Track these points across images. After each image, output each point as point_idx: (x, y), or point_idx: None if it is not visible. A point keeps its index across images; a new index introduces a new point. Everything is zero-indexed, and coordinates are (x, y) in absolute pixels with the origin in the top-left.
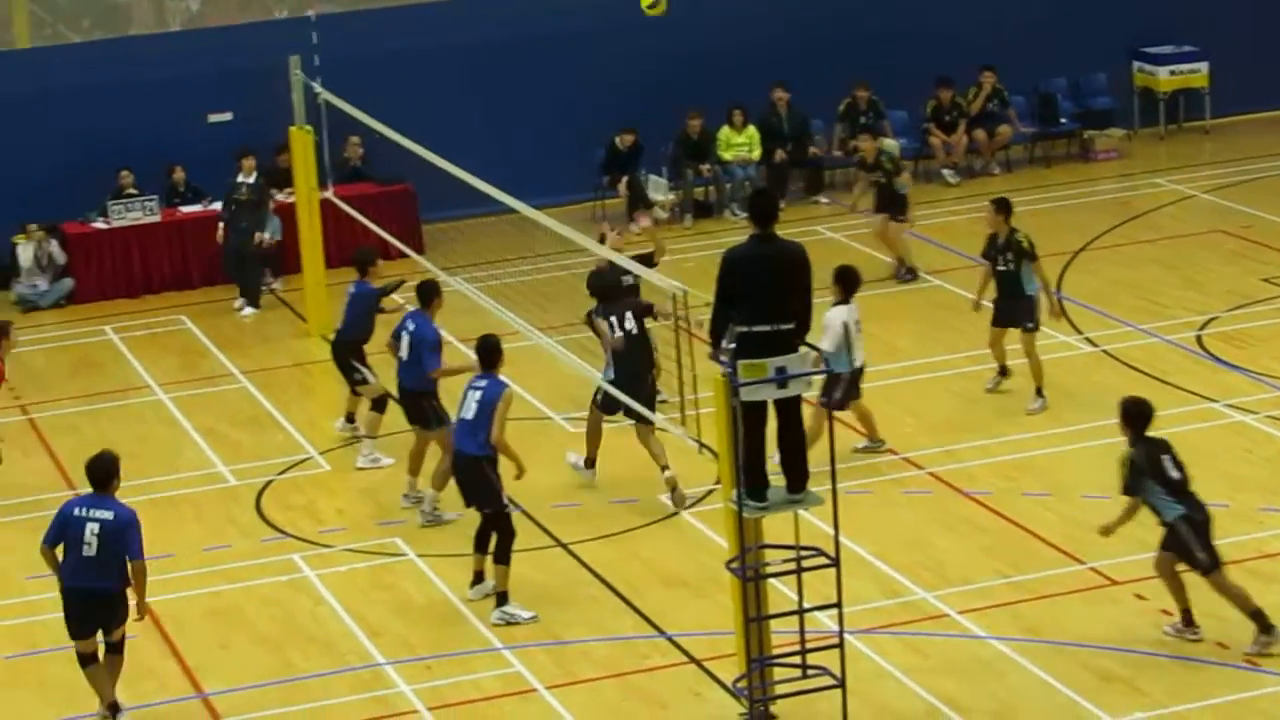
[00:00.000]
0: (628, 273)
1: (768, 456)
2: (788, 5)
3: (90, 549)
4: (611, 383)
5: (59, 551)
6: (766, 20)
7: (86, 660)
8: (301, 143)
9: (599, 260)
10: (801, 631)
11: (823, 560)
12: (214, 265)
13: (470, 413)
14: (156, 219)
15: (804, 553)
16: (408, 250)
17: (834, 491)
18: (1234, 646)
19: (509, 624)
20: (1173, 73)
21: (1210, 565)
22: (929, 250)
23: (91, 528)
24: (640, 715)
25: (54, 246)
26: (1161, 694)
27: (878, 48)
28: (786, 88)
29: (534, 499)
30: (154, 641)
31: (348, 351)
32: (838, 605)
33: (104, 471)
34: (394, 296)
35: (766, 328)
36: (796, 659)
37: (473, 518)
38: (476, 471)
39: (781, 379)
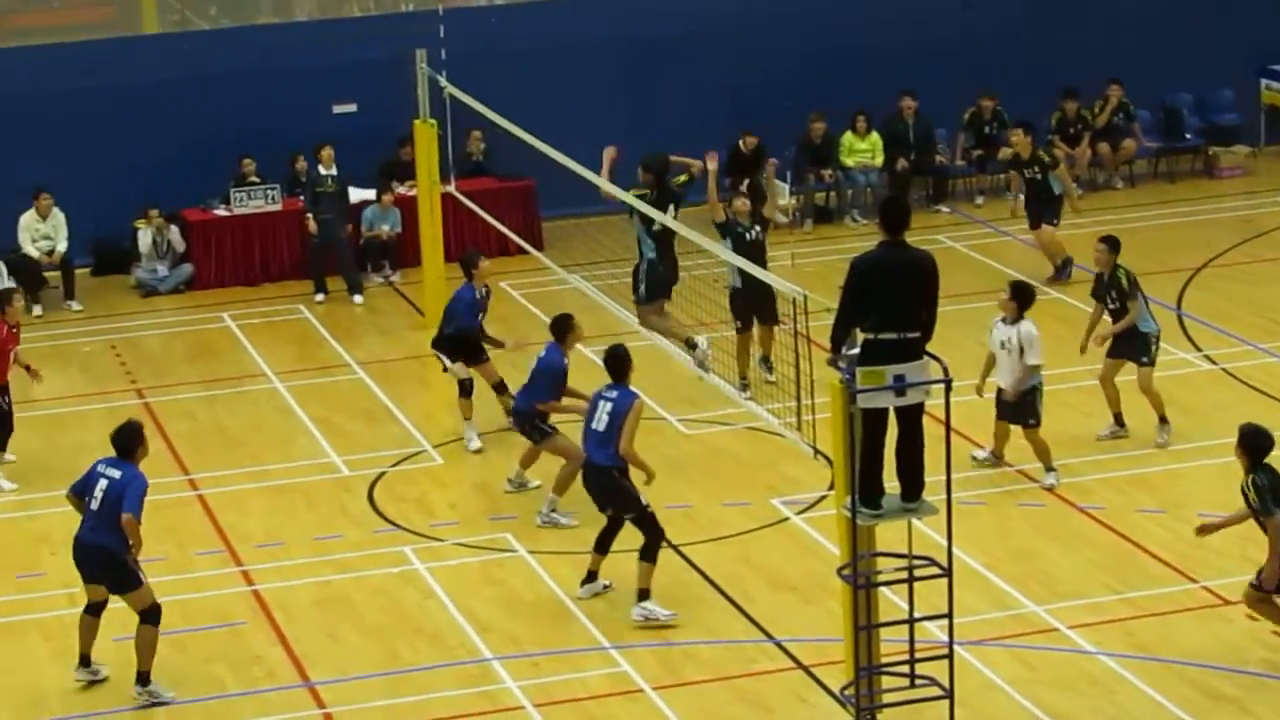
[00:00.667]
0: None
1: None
2: (916, 13)
3: (96, 503)
4: None
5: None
6: (894, 27)
7: (90, 608)
8: (425, 136)
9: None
10: (911, 641)
11: (935, 570)
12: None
13: (601, 424)
14: (278, 208)
15: (916, 562)
16: (527, 246)
17: (949, 502)
18: None
19: (647, 620)
20: None
21: None
22: (1046, 265)
23: (102, 484)
24: (747, 717)
25: (174, 233)
26: (1271, 716)
27: (1005, 58)
28: (914, 96)
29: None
30: (262, 628)
31: (440, 344)
32: (948, 616)
33: (126, 439)
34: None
35: (893, 335)
36: (905, 668)
37: (590, 519)
38: (609, 480)
39: (900, 386)
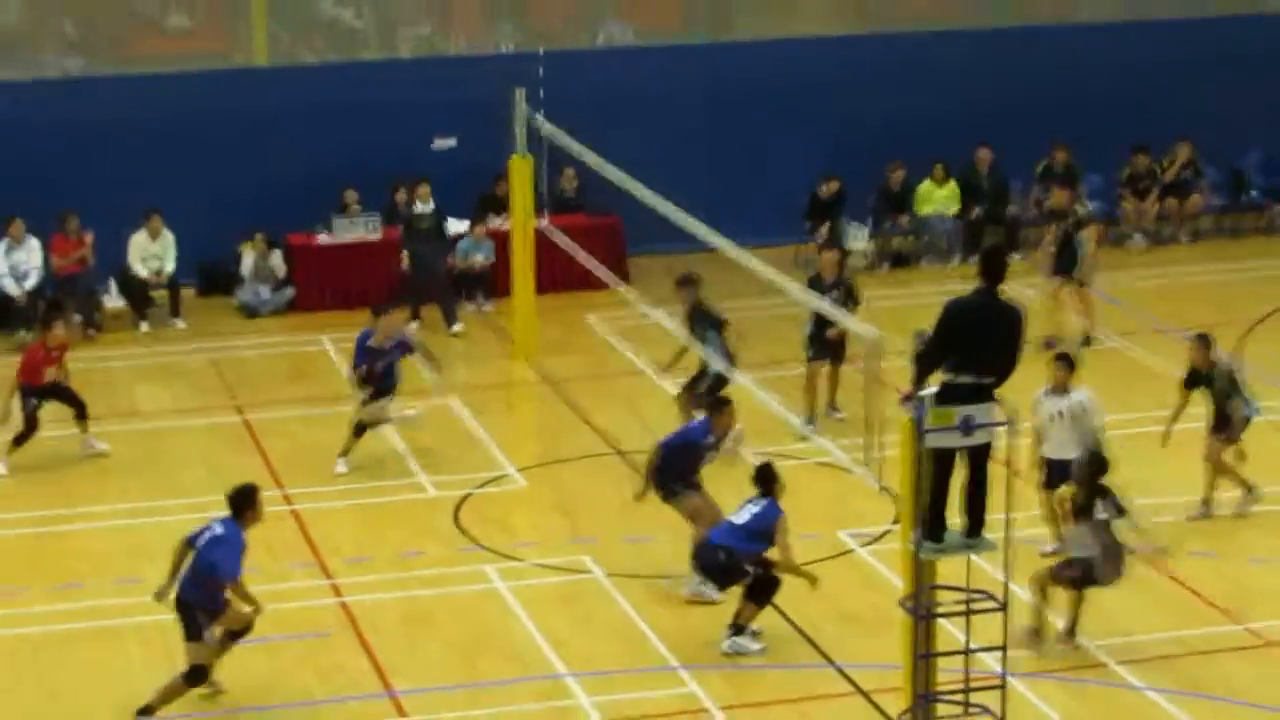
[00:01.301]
0: None
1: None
2: (993, 66)
3: (195, 554)
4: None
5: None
6: (973, 79)
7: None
8: (521, 172)
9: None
10: (966, 671)
11: (991, 604)
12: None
13: (740, 519)
14: (377, 237)
15: (974, 596)
16: (613, 281)
17: (1006, 539)
18: None
19: (737, 653)
20: None
21: None
22: (1113, 314)
23: (207, 538)
24: None
25: (276, 257)
26: None
27: (1078, 112)
28: (989, 147)
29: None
30: (349, 639)
31: None
32: (1003, 648)
33: (239, 500)
34: None
35: (971, 379)
36: (960, 697)
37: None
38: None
39: (967, 428)
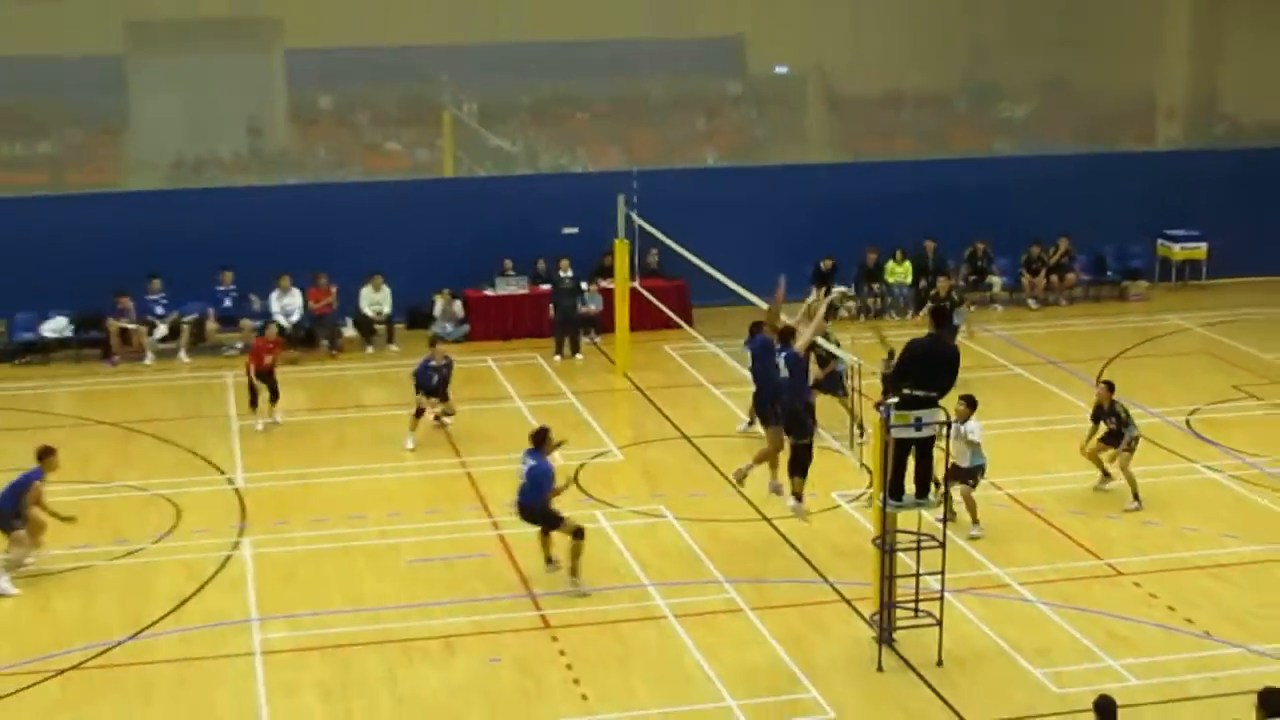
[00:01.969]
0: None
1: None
2: (936, 185)
3: (523, 479)
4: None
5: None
6: (924, 194)
7: (543, 531)
8: (621, 250)
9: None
10: (916, 588)
11: (934, 543)
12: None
13: (784, 372)
14: (525, 291)
15: (922, 537)
16: (684, 324)
17: (946, 499)
18: None
19: (795, 511)
20: (1183, 247)
21: None
22: (1016, 352)
23: (523, 468)
24: (808, 632)
25: (457, 305)
26: (1147, 647)
27: (993, 216)
28: (933, 239)
29: (753, 494)
30: (504, 559)
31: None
32: (941, 573)
33: (539, 438)
34: None
35: (922, 393)
36: (912, 605)
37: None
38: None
39: (919, 425)
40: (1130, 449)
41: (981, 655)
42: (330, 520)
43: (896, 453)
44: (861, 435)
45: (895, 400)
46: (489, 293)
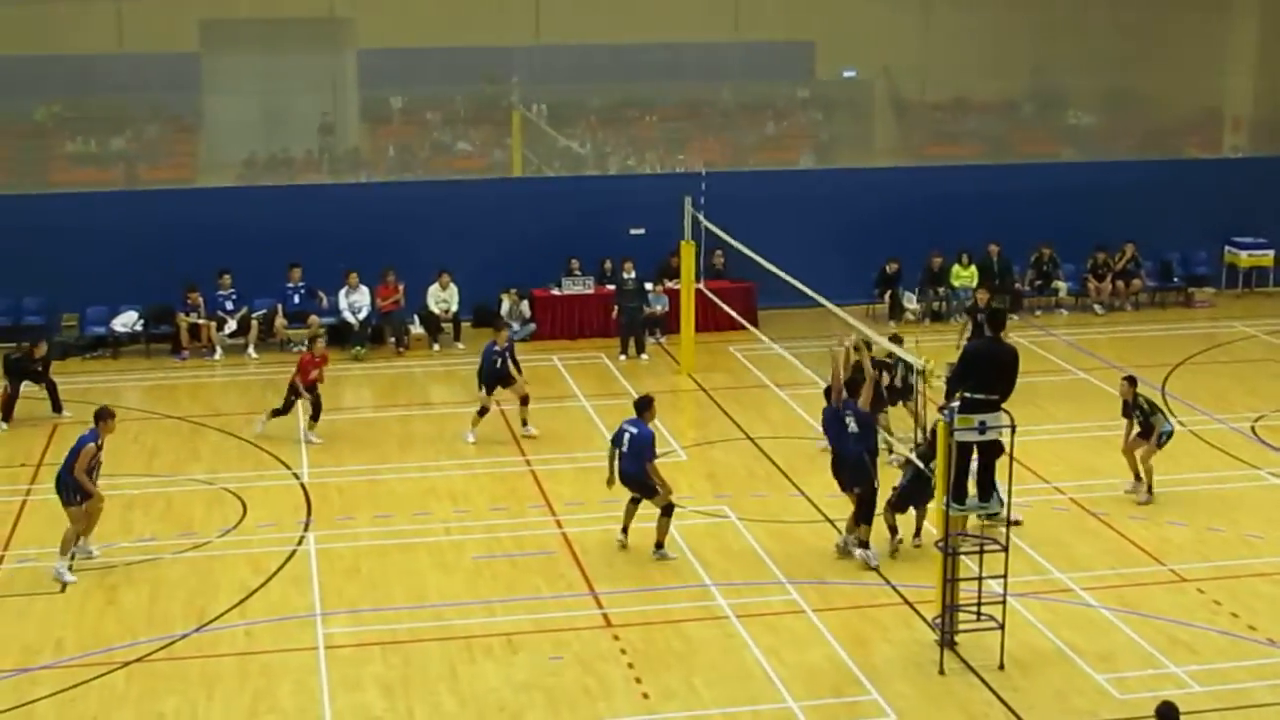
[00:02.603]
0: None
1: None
2: (1003, 189)
3: (625, 447)
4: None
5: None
6: (989, 198)
7: (633, 500)
8: (687, 252)
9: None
10: (979, 591)
11: (996, 547)
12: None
13: (853, 428)
14: (591, 292)
15: (985, 541)
16: (749, 325)
17: (1009, 503)
18: None
19: (866, 566)
20: (1250, 254)
21: None
22: (1080, 357)
23: (627, 435)
24: (870, 634)
25: (524, 304)
26: (1215, 657)
27: (1059, 222)
28: (998, 243)
29: (816, 495)
30: (567, 556)
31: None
32: (1004, 576)
33: (642, 405)
34: None
35: (983, 396)
36: (974, 608)
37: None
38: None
39: (982, 429)
40: (1159, 444)
41: (1043, 659)
42: (395, 516)
43: (960, 457)
44: (924, 439)
45: (957, 404)
46: (555, 292)
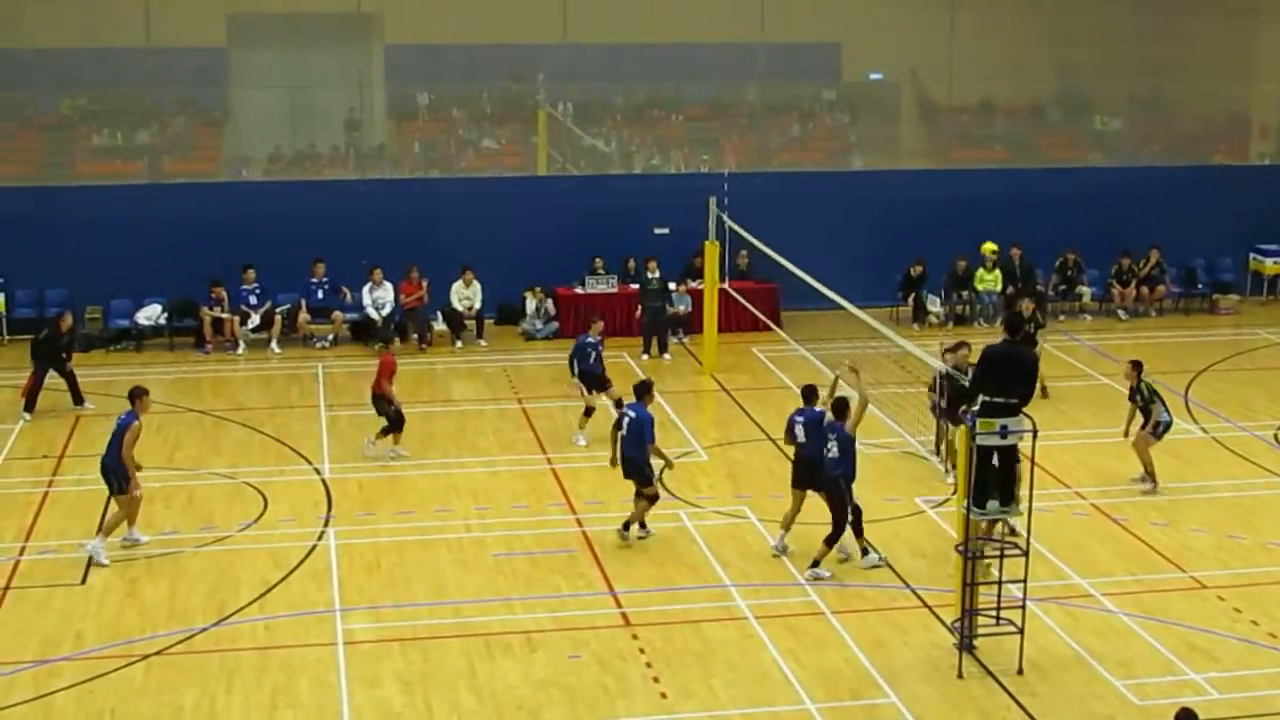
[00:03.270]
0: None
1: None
2: (1025, 193)
3: (626, 430)
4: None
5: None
6: (1012, 200)
7: (637, 494)
8: (711, 252)
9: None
10: (999, 595)
11: (1017, 551)
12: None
13: (834, 452)
14: (614, 290)
15: (1005, 544)
16: (773, 326)
17: (1030, 508)
18: None
19: (816, 579)
20: (1275, 262)
21: None
22: (1103, 362)
23: (627, 419)
24: (889, 637)
25: (549, 302)
26: (1229, 661)
27: (1084, 227)
28: (1021, 247)
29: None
30: (586, 555)
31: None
32: (1024, 581)
33: (641, 389)
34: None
35: (1003, 400)
36: (993, 612)
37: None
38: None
39: (1003, 433)
40: (1156, 434)
41: (1062, 664)
42: (416, 513)
43: (981, 460)
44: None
45: (978, 408)
46: (579, 290)
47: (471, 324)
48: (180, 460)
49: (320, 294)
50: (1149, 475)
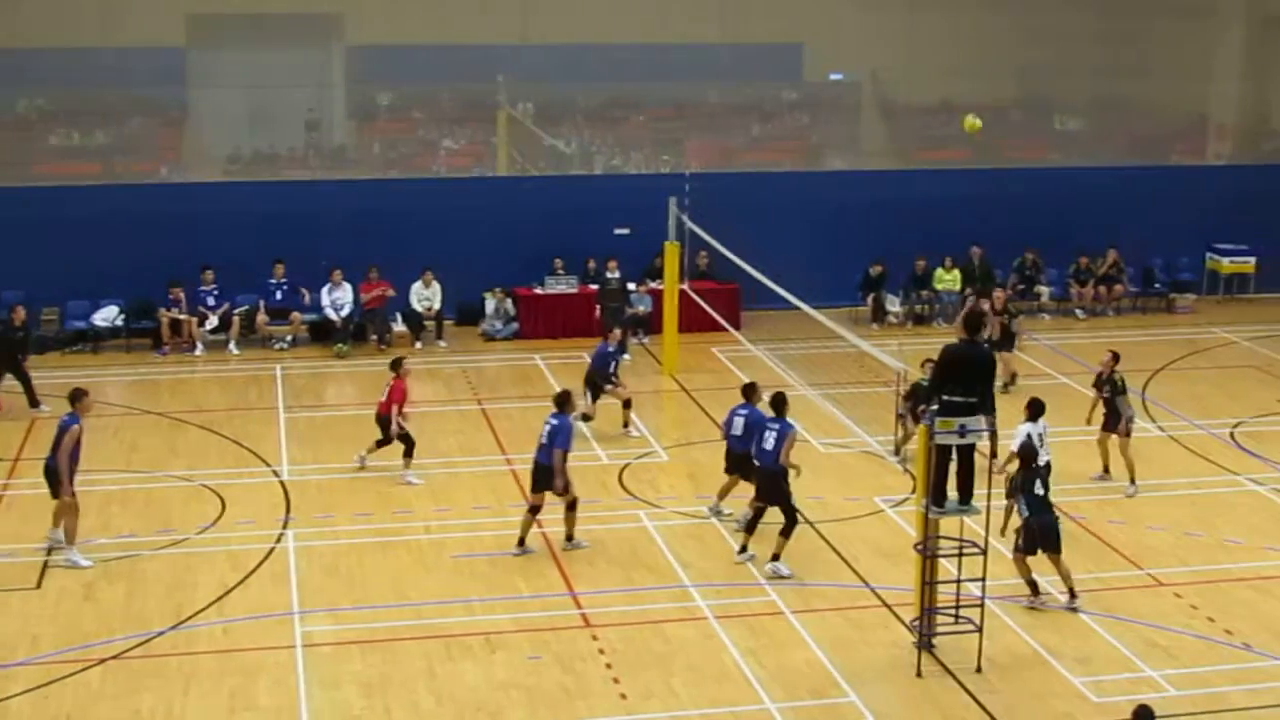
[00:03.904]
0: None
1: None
2: (984, 193)
3: (544, 438)
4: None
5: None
6: (971, 202)
7: (531, 509)
8: (672, 253)
9: None
10: (957, 594)
11: (975, 550)
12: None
13: (769, 444)
14: (575, 291)
15: (964, 543)
16: (729, 328)
17: (988, 507)
18: None
19: (777, 576)
20: (1232, 261)
21: None
22: (1062, 361)
23: (547, 427)
24: (850, 635)
25: (508, 303)
26: (1188, 656)
27: (1043, 226)
28: (981, 246)
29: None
30: (546, 556)
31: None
32: (982, 579)
33: (561, 399)
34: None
35: (961, 399)
36: (952, 611)
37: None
38: (775, 481)
39: (961, 432)
40: (1128, 432)
41: (1021, 662)
42: (375, 514)
43: (939, 459)
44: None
45: (937, 407)
46: (539, 291)
47: (431, 325)
48: (137, 462)
49: (279, 295)
50: (1130, 478)
